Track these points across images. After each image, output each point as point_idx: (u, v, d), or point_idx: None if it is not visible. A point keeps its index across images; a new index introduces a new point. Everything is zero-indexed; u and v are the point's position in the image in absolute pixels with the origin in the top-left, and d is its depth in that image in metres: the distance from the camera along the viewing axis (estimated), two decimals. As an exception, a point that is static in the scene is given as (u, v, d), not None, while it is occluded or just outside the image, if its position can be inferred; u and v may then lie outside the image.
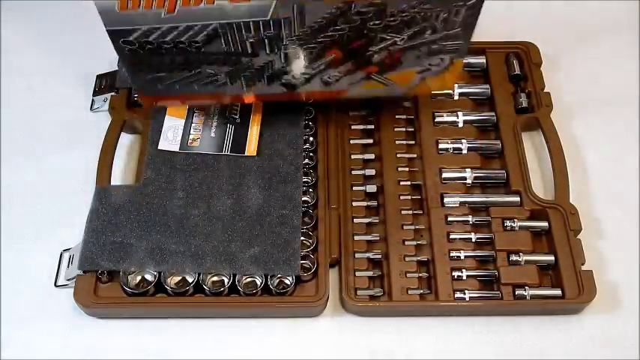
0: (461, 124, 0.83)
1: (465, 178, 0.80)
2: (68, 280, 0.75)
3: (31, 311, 0.74)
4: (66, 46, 0.92)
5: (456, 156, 0.82)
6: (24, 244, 0.78)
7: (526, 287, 0.74)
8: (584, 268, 0.75)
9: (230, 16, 0.66)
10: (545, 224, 0.77)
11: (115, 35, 0.66)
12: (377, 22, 0.69)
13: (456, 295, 0.73)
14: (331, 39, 0.69)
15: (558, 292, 0.74)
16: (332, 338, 0.73)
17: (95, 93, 0.88)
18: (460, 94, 0.85)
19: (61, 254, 0.77)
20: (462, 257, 0.76)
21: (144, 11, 0.64)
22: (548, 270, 0.76)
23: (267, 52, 0.69)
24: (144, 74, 0.68)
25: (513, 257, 0.75)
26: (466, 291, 0.73)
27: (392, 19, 0.69)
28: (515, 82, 0.88)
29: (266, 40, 0.68)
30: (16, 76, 0.90)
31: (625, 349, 0.73)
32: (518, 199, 0.79)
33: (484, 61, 0.88)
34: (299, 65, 0.71)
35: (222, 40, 0.68)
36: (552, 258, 0.75)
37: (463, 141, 0.82)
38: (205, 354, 0.73)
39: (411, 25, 0.69)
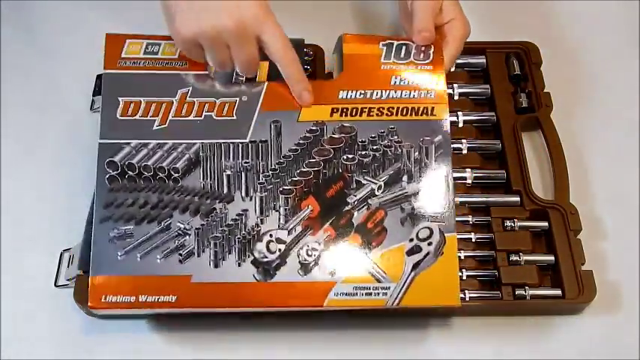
0: (461, 124, 0.83)
1: (465, 178, 0.80)
2: (68, 280, 0.75)
3: (31, 311, 0.74)
4: (66, 46, 0.92)
5: (455, 156, 0.82)
6: (24, 244, 0.78)
7: (526, 287, 0.74)
8: (584, 268, 0.75)
9: (214, 134, 0.71)
10: (545, 224, 0.77)
11: (104, 152, 0.70)
12: (350, 156, 0.71)
13: (455, 296, 0.73)
14: (306, 178, 0.70)
15: (558, 292, 0.74)
16: (332, 338, 0.73)
17: (95, 93, 0.87)
18: (460, 94, 0.85)
19: (61, 254, 0.77)
20: (462, 257, 0.75)
21: (140, 119, 0.71)
22: (548, 270, 0.76)
23: (243, 194, 0.70)
24: (111, 226, 0.68)
25: (513, 257, 0.75)
26: (466, 291, 0.73)
27: (364, 153, 0.71)
28: (516, 82, 0.88)
29: (243, 176, 0.70)
30: (15, 76, 0.90)
31: (625, 349, 0.73)
32: (518, 199, 0.79)
33: (484, 61, 0.88)
34: (273, 222, 0.69)
35: (201, 170, 0.70)
36: (552, 258, 0.75)
37: (463, 141, 0.81)
38: (203, 354, 0.73)
39: (384, 165, 0.71)
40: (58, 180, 0.82)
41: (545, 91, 0.86)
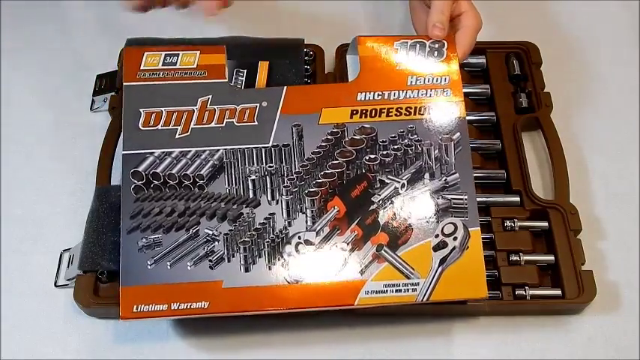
0: (461, 124, 0.83)
1: (465, 178, 0.80)
2: (68, 280, 0.75)
3: (31, 311, 0.74)
4: (66, 46, 0.92)
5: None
6: (24, 244, 0.78)
7: (526, 287, 0.74)
8: (584, 268, 0.75)
9: (236, 140, 0.71)
10: (545, 224, 0.77)
11: (128, 163, 0.70)
12: (372, 156, 0.71)
13: (456, 295, 0.74)
14: (331, 180, 0.70)
15: (558, 292, 0.74)
16: (332, 338, 0.73)
17: (95, 93, 0.88)
18: (460, 94, 0.85)
19: (61, 254, 0.77)
20: (462, 257, 0.76)
21: (162, 129, 0.71)
22: (548, 270, 0.76)
23: (269, 198, 0.70)
24: (139, 235, 0.68)
25: (513, 257, 0.75)
26: (466, 291, 0.73)
27: (386, 152, 0.71)
28: (515, 82, 0.88)
29: (268, 180, 0.70)
30: (15, 76, 0.90)
31: (625, 349, 0.73)
32: (518, 199, 0.79)
33: (484, 61, 0.88)
34: (301, 225, 0.69)
35: (226, 176, 0.70)
36: (552, 258, 0.75)
37: (463, 141, 0.82)
38: (203, 354, 0.73)
39: (406, 164, 0.71)
40: (58, 180, 0.82)
41: (545, 91, 0.86)
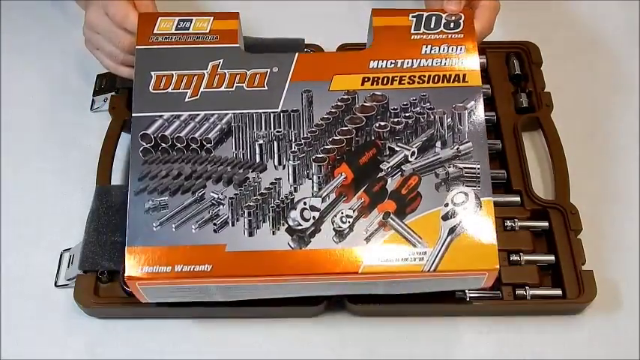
0: (461, 124, 0.83)
1: (465, 178, 0.80)
2: (68, 280, 0.75)
3: (31, 311, 0.74)
4: (66, 46, 0.92)
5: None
6: (24, 244, 0.78)
7: (526, 287, 0.74)
8: (584, 268, 0.75)
9: (245, 104, 0.71)
10: (545, 224, 0.77)
11: (138, 125, 0.70)
12: (382, 123, 0.70)
13: (456, 295, 0.73)
14: (339, 146, 0.70)
15: (559, 292, 0.74)
16: (332, 339, 0.73)
17: (95, 93, 0.88)
18: (460, 94, 0.85)
19: (61, 254, 0.77)
20: (463, 257, 0.75)
21: (172, 92, 0.71)
22: (548, 270, 0.76)
23: (276, 163, 0.70)
24: (146, 197, 0.68)
25: (514, 257, 0.75)
26: (467, 291, 0.73)
27: (396, 120, 0.70)
28: (516, 82, 0.88)
29: (275, 145, 0.70)
30: (16, 75, 0.90)
31: (625, 349, 0.73)
32: (518, 199, 0.79)
33: (484, 61, 0.88)
34: (307, 190, 0.68)
35: (233, 140, 0.70)
36: (553, 258, 0.75)
37: (463, 141, 0.82)
38: (204, 354, 0.73)
39: (417, 132, 0.71)
40: (58, 180, 0.82)
41: (545, 91, 0.86)
